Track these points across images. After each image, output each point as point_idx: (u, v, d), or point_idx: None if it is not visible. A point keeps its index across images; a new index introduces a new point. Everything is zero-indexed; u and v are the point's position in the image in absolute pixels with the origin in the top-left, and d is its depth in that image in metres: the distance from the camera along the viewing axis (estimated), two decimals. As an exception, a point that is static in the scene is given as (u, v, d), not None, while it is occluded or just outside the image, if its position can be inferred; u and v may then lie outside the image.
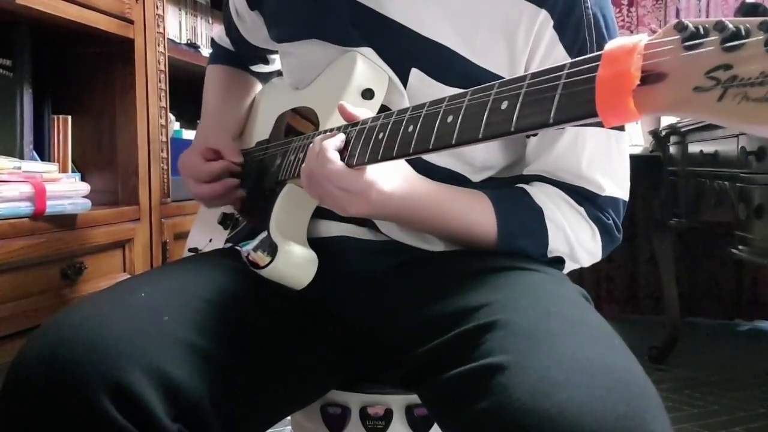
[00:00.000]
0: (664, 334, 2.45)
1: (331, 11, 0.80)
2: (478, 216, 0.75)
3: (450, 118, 0.56)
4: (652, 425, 0.51)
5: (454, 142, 0.55)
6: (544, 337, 0.58)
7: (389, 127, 0.63)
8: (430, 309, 0.69)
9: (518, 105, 0.50)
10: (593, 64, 0.45)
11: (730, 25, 0.37)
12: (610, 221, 0.79)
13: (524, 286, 0.69)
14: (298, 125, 0.89)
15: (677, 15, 2.96)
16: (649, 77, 0.41)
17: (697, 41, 0.39)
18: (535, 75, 0.50)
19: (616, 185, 0.78)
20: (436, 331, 0.66)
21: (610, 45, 0.44)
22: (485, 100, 0.54)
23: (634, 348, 0.60)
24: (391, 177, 0.69)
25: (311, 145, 0.70)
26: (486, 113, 0.53)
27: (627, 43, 0.42)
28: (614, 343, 0.60)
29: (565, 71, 0.48)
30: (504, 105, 0.52)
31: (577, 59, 0.47)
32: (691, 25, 0.39)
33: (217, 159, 0.93)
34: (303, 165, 0.71)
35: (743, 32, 0.37)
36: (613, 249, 0.81)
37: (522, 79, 0.51)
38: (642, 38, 0.42)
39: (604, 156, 0.77)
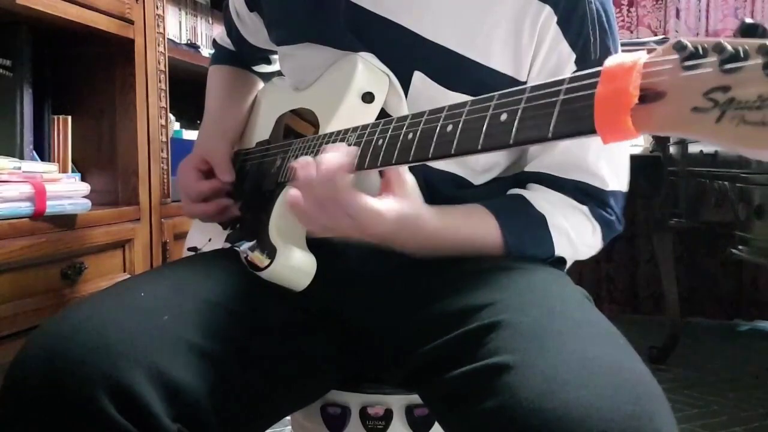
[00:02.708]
0: (664, 334, 2.45)
1: (329, 14, 0.80)
2: (484, 234, 0.75)
3: (449, 128, 0.56)
4: (659, 425, 0.51)
5: (453, 151, 0.56)
6: (550, 336, 0.58)
7: (389, 133, 0.63)
8: (433, 309, 0.69)
9: (517, 118, 0.51)
10: (592, 80, 0.45)
11: (729, 47, 0.37)
12: (613, 216, 0.79)
13: (528, 285, 0.69)
14: (298, 127, 0.89)
15: (677, 15, 2.96)
16: (648, 96, 0.41)
17: (696, 62, 0.39)
18: (534, 88, 0.51)
19: (618, 178, 0.79)
20: (439, 331, 0.66)
21: (608, 62, 0.44)
22: (485, 111, 0.54)
23: (634, 348, 0.60)
24: (399, 207, 0.67)
25: (317, 168, 0.64)
26: (485, 125, 0.53)
27: (626, 61, 0.42)
28: (619, 343, 0.60)
29: (565, 86, 0.48)
30: (503, 117, 0.52)
31: (575, 74, 0.47)
32: (690, 45, 0.39)
33: (210, 173, 0.92)
34: (304, 192, 0.66)
35: (742, 54, 0.37)
36: (612, 240, 0.82)
37: (521, 92, 0.51)
38: (641, 56, 0.42)
39: (607, 149, 0.77)
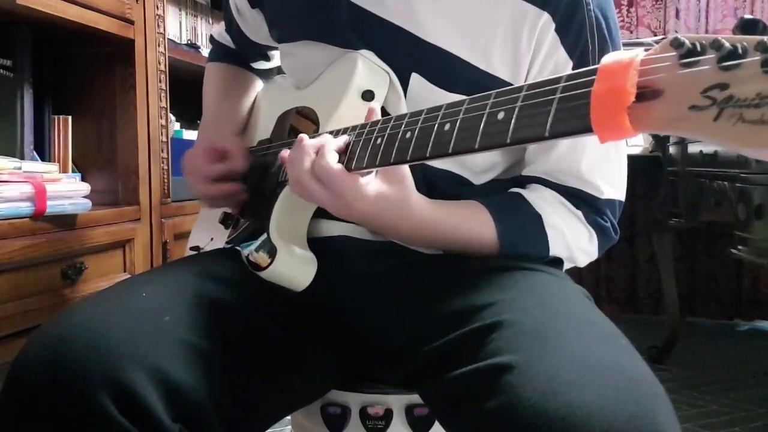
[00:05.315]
0: (664, 334, 2.45)
1: (330, 14, 0.80)
2: (478, 228, 0.75)
3: (447, 126, 0.56)
4: (662, 425, 0.51)
5: (450, 150, 0.55)
6: (553, 336, 0.58)
7: (387, 132, 0.63)
8: (434, 309, 0.69)
9: (514, 117, 0.50)
10: (589, 78, 0.44)
11: (727, 44, 0.36)
12: (608, 223, 0.79)
13: (529, 285, 0.69)
14: (298, 125, 0.89)
15: (677, 15, 2.96)
16: (645, 94, 0.40)
17: (693, 59, 0.38)
18: (531, 87, 0.50)
19: (614, 188, 0.79)
20: (440, 331, 0.66)
21: (606, 59, 0.43)
22: (482, 110, 0.54)
23: (635, 348, 0.60)
24: (383, 188, 0.68)
25: (302, 143, 0.68)
26: (482, 123, 0.53)
27: (623, 59, 0.42)
28: (621, 343, 0.60)
29: (561, 84, 0.47)
30: (500, 116, 0.52)
31: (573, 72, 0.47)
32: (687, 42, 0.38)
33: (223, 160, 0.92)
34: (290, 158, 0.68)
35: (740, 51, 0.36)
36: (609, 247, 0.82)
37: (518, 90, 0.51)
38: (638, 53, 0.42)
39: (603, 159, 0.77)
